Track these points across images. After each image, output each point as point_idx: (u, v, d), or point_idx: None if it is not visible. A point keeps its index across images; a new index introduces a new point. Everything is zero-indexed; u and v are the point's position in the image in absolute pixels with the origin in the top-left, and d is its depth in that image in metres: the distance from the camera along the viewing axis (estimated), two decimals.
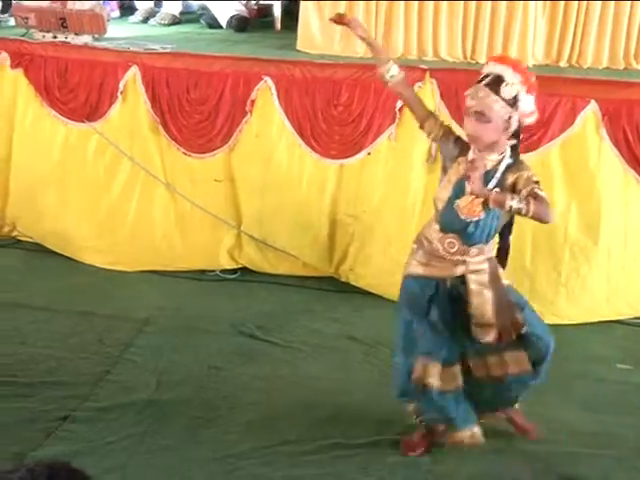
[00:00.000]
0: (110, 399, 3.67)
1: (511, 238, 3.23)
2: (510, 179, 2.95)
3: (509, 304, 3.13)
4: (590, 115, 4.39)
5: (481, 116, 2.90)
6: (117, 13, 6.33)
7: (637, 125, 4.40)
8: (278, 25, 6.26)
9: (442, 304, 3.13)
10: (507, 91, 2.89)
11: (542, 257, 4.54)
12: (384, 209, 4.46)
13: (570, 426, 3.61)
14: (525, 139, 4.39)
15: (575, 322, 4.52)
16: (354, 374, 3.49)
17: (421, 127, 3.12)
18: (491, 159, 2.99)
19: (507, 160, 2.99)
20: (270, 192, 4.80)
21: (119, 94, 4.82)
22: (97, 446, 3.33)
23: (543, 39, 5.24)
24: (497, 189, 2.90)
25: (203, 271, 4.94)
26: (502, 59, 3.04)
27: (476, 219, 2.99)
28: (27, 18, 5.31)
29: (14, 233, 5.32)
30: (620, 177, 4.45)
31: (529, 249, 4.52)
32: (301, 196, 4.77)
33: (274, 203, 4.82)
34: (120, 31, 5.68)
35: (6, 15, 5.72)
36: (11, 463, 1.17)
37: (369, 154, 4.56)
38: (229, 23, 6.04)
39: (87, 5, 5.28)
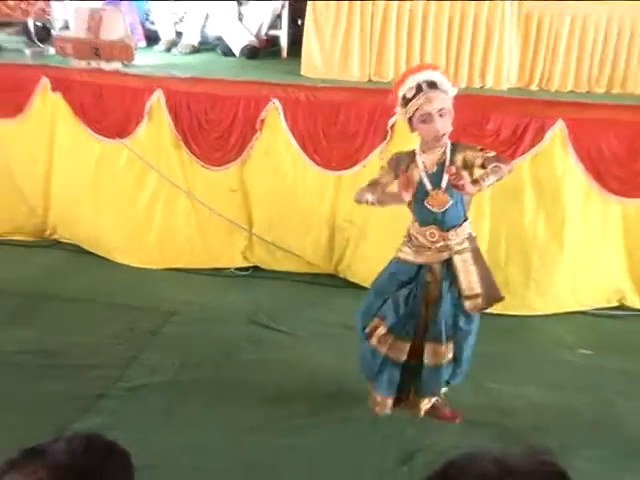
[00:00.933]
0: (139, 379, 3.76)
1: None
2: (459, 159, 3.03)
3: (490, 274, 3.22)
4: (557, 133, 4.44)
5: (443, 111, 2.97)
6: (143, 43, 6.34)
7: (598, 142, 4.45)
8: (285, 53, 6.27)
9: (416, 289, 3.19)
10: (443, 86, 2.99)
11: (515, 257, 4.59)
12: (376, 214, 4.52)
13: (537, 403, 3.67)
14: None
15: (544, 313, 4.58)
16: (350, 357, 3.53)
17: (403, 198, 3.05)
18: (440, 152, 3.06)
19: (448, 147, 3.06)
20: (278, 200, 4.87)
21: (145, 114, 4.87)
22: (127, 420, 3.41)
23: (516, 66, 5.25)
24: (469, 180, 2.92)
25: (220, 269, 5.00)
26: (420, 67, 3.13)
27: (447, 207, 3.07)
28: (65, 48, 5.35)
29: (55, 236, 5.39)
30: (583, 188, 4.50)
31: (503, 251, 4.59)
32: (304, 204, 4.84)
33: (281, 210, 4.88)
34: (146, 59, 5.71)
35: (47, 45, 5.77)
36: (53, 436, 1.18)
37: (364, 167, 4.61)
38: (241, 52, 6.06)
39: (117, 36, 5.32)
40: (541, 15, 5.16)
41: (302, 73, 5.36)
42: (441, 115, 2.97)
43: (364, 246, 4.73)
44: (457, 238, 3.12)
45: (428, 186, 3.07)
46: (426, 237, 3.13)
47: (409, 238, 3.21)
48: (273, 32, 6.44)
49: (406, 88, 3.00)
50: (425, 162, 3.07)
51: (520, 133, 4.48)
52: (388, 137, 4.53)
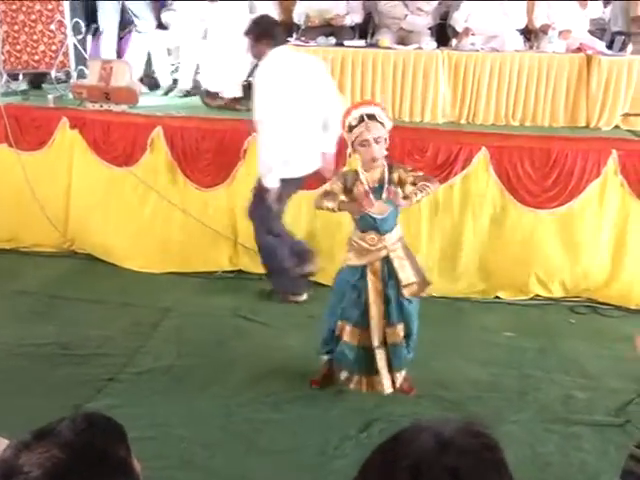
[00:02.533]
0: (143, 365, 3.62)
1: None
2: (395, 177, 3.07)
3: (420, 266, 3.24)
4: (482, 158, 4.42)
5: (379, 139, 3.00)
6: (146, 88, 6.25)
7: (514, 164, 4.42)
8: None
9: (364, 286, 3.17)
10: (381, 118, 3.01)
11: (448, 258, 4.54)
12: (340, 223, 4.45)
13: (470, 378, 3.60)
14: (436, 175, 4.41)
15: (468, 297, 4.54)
16: (315, 342, 3.44)
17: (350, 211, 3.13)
18: (377, 170, 3.07)
19: (385, 168, 3.07)
20: None
21: (148, 146, 4.77)
22: (134, 399, 3.28)
23: (449, 103, 5.25)
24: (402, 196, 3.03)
25: (209, 273, 4.84)
26: (364, 103, 3.24)
27: (386, 214, 3.08)
28: (81, 92, 5.26)
29: (72, 247, 5.19)
30: (501, 200, 4.47)
31: (438, 253, 4.54)
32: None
33: None
34: (148, 101, 5.60)
35: (67, 91, 5.63)
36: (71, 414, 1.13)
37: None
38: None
39: (124, 83, 5.23)
40: (467, 63, 5.16)
41: None
42: (377, 142, 3.00)
43: (332, 251, 4.57)
44: (392, 240, 3.14)
45: (372, 197, 3.06)
46: (367, 241, 3.12)
47: (351, 245, 3.19)
48: (251, 79, 6.33)
49: (351, 118, 3.02)
50: (367, 179, 3.07)
51: (453, 158, 4.45)
52: (347, 163, 4.43)
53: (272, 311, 4.29)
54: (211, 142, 4.71)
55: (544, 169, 4.41)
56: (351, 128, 3.02)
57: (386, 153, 3.07)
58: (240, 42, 4.41)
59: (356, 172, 3.12)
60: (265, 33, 4.00)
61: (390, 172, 3.07)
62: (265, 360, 3.67)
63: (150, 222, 4.90)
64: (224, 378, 3.52)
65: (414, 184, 3.07)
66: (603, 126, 5.21)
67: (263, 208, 4.08)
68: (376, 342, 3.21)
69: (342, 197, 3.11)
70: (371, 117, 2.99)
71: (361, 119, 2.99)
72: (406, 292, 3.15)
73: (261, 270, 4.73)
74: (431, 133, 4.76)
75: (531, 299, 4.58)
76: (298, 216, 4.60)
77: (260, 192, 4.07)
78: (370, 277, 3.16)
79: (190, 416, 3.19)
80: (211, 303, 4.40)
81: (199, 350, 3.80)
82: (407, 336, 3.25)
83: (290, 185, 4.08)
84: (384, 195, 3.05)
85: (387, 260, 3.14)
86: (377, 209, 3.07)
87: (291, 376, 3.51)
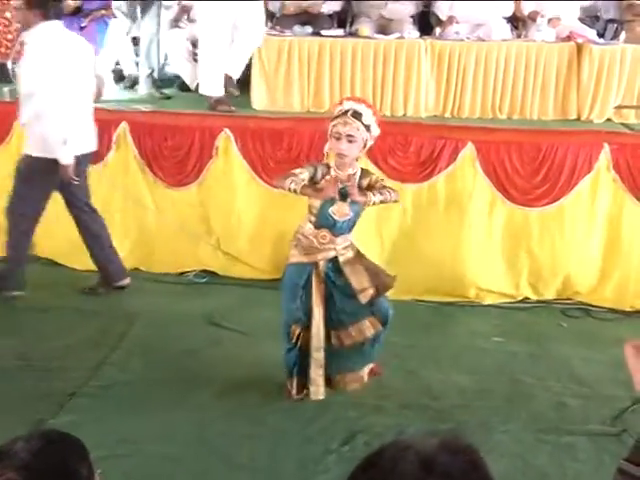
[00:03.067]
0: (109, 378, 3.58)
1: None
2: (365, 182, 3.17)
3: (378, 269, 3.29)
4: (468, 153, 4.43)
5: (351, 137, 3.05)
6: (111, 80, 6.21)
7: (502, 160, 4.45)
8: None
9: (312, 284, 3.22)
10: (366, 120, 3.05)
11: (433, 260, 4.52)
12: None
13: (458, 386, 3.61)
14: (420, 172, 4.48)
15: (459, 304, 4.55)
16: None
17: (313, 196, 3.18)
18: (350, 172, 3.15)
19: (358, 171, 3.19)
20: (231, 214, 4.75)
21: (113, 144, 4.73)
22: (99, 415, 3.24)
23: (433, 96, 5.29)
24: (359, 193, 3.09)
25: (181, 274, 4.83)
26: (360, 100, 3.21)
27: (347, 218, 3.15)
28: None
29: (32, 251, 5.11)
30: (489, 198, 4.49)
31: (423, 254, 4.53)
32: (256, 217, 4.73)
33: (235, 222, 4.75)
34: (113, 95, 5.57)
35: None
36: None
37: None
38: (197, 88, 5.96)
39: None
40: (451, 53, 5.21)
41: (253, 106, 5.33)
42: (350, 141, 3.05)
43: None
44: (344, 243, 3.21)
45: (336, 197, 3.11)
46: (318, 238, 3.18)
47: (298, 241, 3.24)
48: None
49: (338, 108, 3.13)
50: (338, 177, 3.13)
51: (437, 154, 4.47)
52: (324, 159, 4.45)
53: (248, 318, 4.27)
54: (181, 138, 4.70)
55: (533, 164, 4.45)
56: (334, 118, 3.11)
57: (359, 155, 3.17)
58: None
59: (327, 166, 3.19)
60: (39, 2, 3.99)
61: (361, 177, 3.18)
62: (241, 371, 3.65)
63: (116, 222, 4.84)
64: (197, 390, 3.49)
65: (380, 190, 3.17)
66: (595, 119, 5.28)
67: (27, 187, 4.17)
68: (315, 345, 3.26)
69: (306, 182, 3.14)
70: (356, 114, 3.05)
71: (345, 112, 3.06)
72: (362, 297, 3.19)
73: (237, 273, 4.74)
74: (414, 127, 4.79)
75: (520, 302, 4.62)
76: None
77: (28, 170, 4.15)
78: (314, 278, 3.22)
79: (161, 432, 3.16)
80: (182, 309, 4.37)
81: (169, 361, 3.77)
82: (383, 324, 3.30)
83: (84, 160, 4.24)
84: (349, 199, 3.10)
85: (334, 262, 3.20)
86: (339, 211, 3.14)
87: (269, 387, 3.49)
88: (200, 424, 3.24)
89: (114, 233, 4.84)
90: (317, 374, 3.31)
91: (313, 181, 3.15)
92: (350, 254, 3.23)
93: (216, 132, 4.63)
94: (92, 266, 4.71)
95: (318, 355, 3.28)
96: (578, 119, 5.27)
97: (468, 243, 4.53)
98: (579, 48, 5.24)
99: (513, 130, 4.78)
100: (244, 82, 5.84)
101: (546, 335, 4.24)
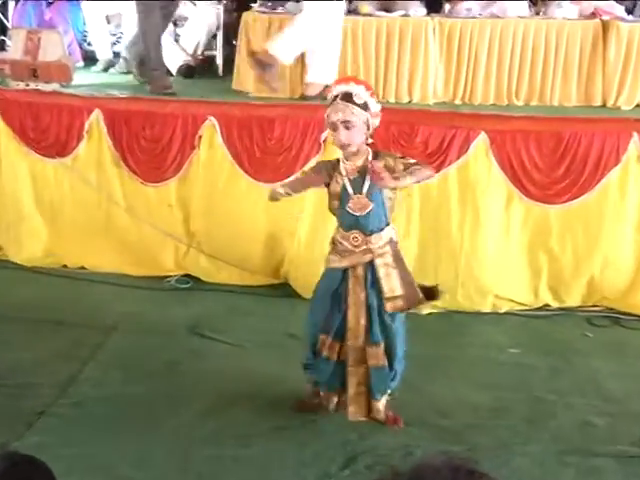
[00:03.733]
0: (82, 395, 3.57)
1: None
2: (380, 165, 3.04)
3: (411, 277, 3.21)
4: (480, 144, 4.42)
5: (348, 124, 2.99)
6: (81, 63, 6.22)
7: (518, 151, 4.45)
8: (220, 71, 6.23)
9: (346, 292, 3.19)
10: (360, 99, 2.99)
11: (444, 263, 4.54)
12: (313, 223, 4.45)
13: (472, 403, 3.61)
14: (428, 164, 4.46)
15: (473, 313, 4.54)
16: (292, 365, 3.43)
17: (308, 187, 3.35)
18: (359, 161, 3.09)
19: (369, 155, 3.10)
20: (216, 213, 4.75)
21: (85, 133, 4.73)
22: (71, 436, 3.23)
23: (442, 81, 5.30)
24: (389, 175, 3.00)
25: (160, 281, 4.82)
26: (345, 80, 3.20)
27: (368, 210, 3.08)
28: (2, 68, 5.21)
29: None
30: (505, 194, 4.49)
31: (432, 256, 4.53)
32: (242, 215, 4.72)
33: (220, 222, 4.75)
34: (84, 79, 5.58)
35: None
36: None
37: None
38: (178, 71, 5.98)
39: (55, 57, 5.20)
40: (462, 32, 5.21)
41: (233, 87, 5.43)
42: (347, 127, 3.01)
43: (304, 254, 4.60)
44: (379, 242, 3.14)
45: (350, 190, 3.09)
46: (350, 241, 3.14)
47: (334, 245, 3.22)
48: (209, 52, 6.37)
49: (330, 95, 3.10)
50: (347, 168, 3.10)
51: (446, 145, 4.46)
52: (321, 150, 4.46)
53: (238, 328, 4.27)
54: (160, 128, 4.70)
55: (554, 156, 4.45)
56: (327, 107, 3.09)
57: (368, 140, 3.10)
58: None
59: (337, 161, 3.15)
60: None
61: (375, 160, 3.08)
62: (228, 386, 3.64)
63: (88, 222, 4.87)
64: (180, 409, 3.48)
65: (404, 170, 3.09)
66: (622, 105, 5.30)
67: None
68: (351, 359, 3.23)
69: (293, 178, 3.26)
70: (346, 97, 3.00)
71: (334, 98, 3.03)
72: (388, 306, 3.16)
73: (222, 279, 4.72)
74: (421, 115, 4.79)
75: (540, 309, 4.63)
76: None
77: None
78: (352, 283, 3.19)
79: (140, 455, 3.15)
80: (163, 318, 4.36)
81: (149, 375, 3.76)
82: (390, 358, 3.25)
83: None
84: (365, 187, 3.07)
85: (372, 266, 3.16)
86: (356, 204, 3.10)
87: (261, 405, 3.49)
88: (184, 446, 3.22)
89: (84, 234, 4.85)
90: (352, 390, 3.27)
91: (326, 184, 3.16)
92: (388, 254, 3.16)
93: (200, 120, 4.63)
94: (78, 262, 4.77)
95: (353, 370, 3.24)
96: (604, 105, 5.29)
97: (481, 244, 4.53)
98: (605, 26, 5.25)
99: (531, 118, 4.77)
100: (229, 63, 5.89)
101: (569, 346, 4.24)
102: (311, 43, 5.10)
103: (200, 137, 4.64)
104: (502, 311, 4.59)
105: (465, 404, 3.59)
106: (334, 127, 3.04)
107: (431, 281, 4.38)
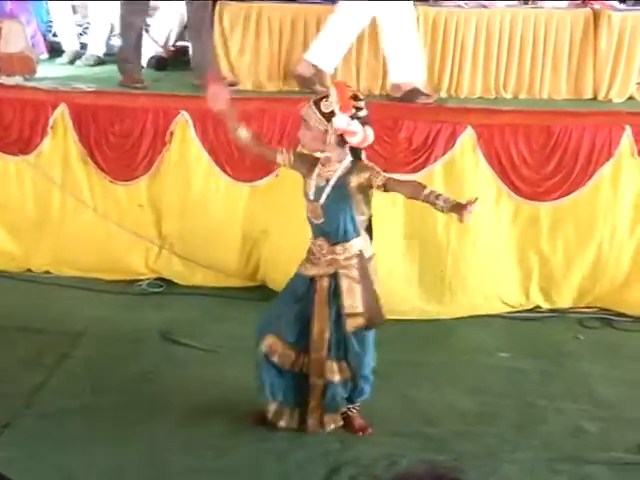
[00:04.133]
0: (48, 406, 3.56)
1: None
2: (353, 181, 3.04)
3: (376, 295, 3.19)
4: (467, 139, 4.44)
5: (305, 123, 3.04)
6: (46, 55, 6.19)
7: (507, 146, 4.48)
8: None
9: (311, 301, 3.18)
10: (324, 106, 2.98)
11: (430, 264, 4.57)
12: (290, 224, 4.46)
13: (459, 409, 3.65)
14: (412, 161, 4.50)
15: (459, 316, 4.56)
16: None
17: (276, 162, 3.27)
18: (331, 169, 3.07)
19: (345, 165, 3.07)
20: (189, 212, 4.75)
21: (49, 129, 4.71)
22: (36, 450, 3.22)
23: (426, 71, 5.31)
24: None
25: (131, 285, 4.82)
26: (344, 86, 3.12)
27: (321, 220, 3.10)
28: None
29: None
30: (494, 191, 4.52)
31: (418, 258, 4.56)
32: (217, 215, 4.73)
33: (193, 222, 4.75)
34: (49, 71, 5.56)
35: None
36: None
37: (277, 176, 4.52)
38: (149, 63, 5.96)
39: (17, 48, 5.17)
40: (447, 22, 5.24)
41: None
42: (306, 127, 3.05)
43: (280, 255, 4.60)
44: (345, 254, 3.12)
45: (311, 196, 3.11)
46: (316, 248, 3.16)
47: (308, 251, 3.23)
48: (181, 43, 6.36)
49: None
50: (319, 172, 3.11)
51: (431, 140, 4.48)
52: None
53: (212, 333, 4.29)
54: (130, 123, 4.70)
55: (544, 151, 4.49)
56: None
57: (345, 154, 3.07)
58: None
59: (316, 161, 3.15)
60: None
61: (350, 172, 3.05)
62: (204, 395, 3.66)
63: (54, 223, 4.87)
64: (152, 419, 3.50)
65: (385, 187, 3.04)
66: (614, 97, 5.34)
67: None
68: (313, 371, 3.24)
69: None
70: (316, 99, 3.04)
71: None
72: (348, 323, 3.15)
73: (197, 281, 4.73)
74: (404, 109, 4.81)
75: (530, 311, 4.68)
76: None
77: None
78: (317, 295, 3.18)
79: (110, 468, 3.16)
80: (134, 324, 4.37)
81: (119, 384, 3.77)
82: (353, 376, 3.27)
83: None
84: (323, 197, 3.06)
85: (336, 279, 3.15)
86: (312, 211, 3.14)
87: (238, 414, 3.50)
88: (156, 459, 3.23)
89: (49, 236, 4.83)
90: (318, 404, 3.29)
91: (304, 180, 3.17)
92: (354, 273, 3.13)
93: (171, 115, 4.64)
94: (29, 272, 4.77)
95: (319, 382, 3.25)
96: (595, 98, 5.34)
97: (469, 244, 4.55)
98: (596, 15, 5.29)
99: (520, 112, 4.81)
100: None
101: (560, 349, 4.29)
102: (349, 43, 5.13)
103: (172, 133, 4.64)
104: (491, 313, 4.62)
105: (452, 411, 3.63)
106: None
107: (415, 284, 4.50)
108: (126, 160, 4.75)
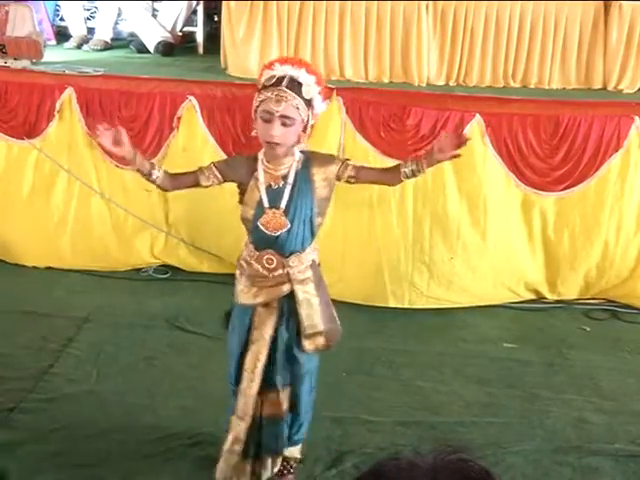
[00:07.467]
0: (53, 391, 3.58)
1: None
2: (318, 173, 2.64)
3: (331, 308, 2.79)
4: (475, 127, 4.42)
5: (288, 121, 2.52)
6: (53, 40, 6.18)
7: (515, 135, 4.47)
8: (201, 49, 6.21)
9: (249, 329, 2.77)
10: (306, 92, 2.53)
11: (439, 252, 4.55)
12: None
13: (464, 399, 3.65)
14: (419, 148, 4.46)
15: (467, 306, 4.56)
16: None
17: (202, 185, 2.77)
18: (284, 166, 2.65)
19: (297, 163, 2.65)
20: (196, 199, 4.70)
21: (56, 113, 4.70)
22: (41, 434, 3.24)
23: (435, 62, 5.30)
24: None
25: (138, 270, 4.83)
26: (295, 62, 2.60)
27: (285, 229, 2.65)
28: None
29: None
30: (502, 180, 4.51)
31: (428, 245, 4.54)
32: (223, 202, 4.67)
33: (200, 209, 4.73)
34: (56, 56, 5.54)
35: None
36: None
37: None
38: (156, 48, 5.95)
39: (25, 32, 5.15)
40: (457, 12, 5.22)
41: (230, 72, 5.35)
42: (284, 123, 2.52)
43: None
44: (299, 265, 2.69)
45: (265, 203, 2.64)
46: (262, 263, 2.68)
47: (241, 268, 2.75)
48: (188, 28, 6.34)
49: (269, 75, 2.55)
50: (268, 173, 2.65)
51: (439, 128, 4.45)
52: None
53: (216, 319, 4.23)
54: (137, 108, 4.68)
55: (552, 141, 4.48)
56: (261, 88, 2.58)
57: (301, 143, 2.65)
58: None
59: (255, 159, 2.70)
60: None
61: (306, 164, 2.65)
62: (209, 381, 3.64)
63: (61, 209, 4.85)
64: (158, 404, 3.50)
65: (356, 178, 2.66)
66: (625, 88, 5.32)
67: None
68: (238, 409, 2.81)
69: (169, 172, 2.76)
70: (293, 86, 2.51)
71: (278, 81, 2.51)
72: (307, 345, 2.72)
73: (203, 268, 4.73)
74: (412, 97, 4.79)
75: (536, 302, 4.67)
76: None
77: None
78: (262, 316, 2.74)
79: (114, 454, 3.16)
80: (139, 310, 4.38)
81: (125, 370, 3.78)
82: (295, 407, 2.89)
83: None
84: (283, 202, 2.63)
85: (289, 297, 2.71)
86: (271, 221, 2.64)
87: None
88: (160, 444, 3.24)
89: (56, 221, 4.82)
90: (233, 449, 2.84)
91: (240, 188, 2.72)
92: (310, 286, 2.70)
93: (179, 101, 4.62)
94: (40, 261, 4.74)
95: (242, 423, 2.81)
96: (604, 88, 5.31)
97: (477, 233, 4.54)
98: (606, 5, 5.27)
99: (528, 101, 4.78)
100: (210, 41, 5.86)
101: (566, 341, 4.29)
102: None
103: (179, 118, 4.63)
104: (496, 304, 4.62)
105: (457, 401, 3.63)
106: (268, 118, 2.53)
107: (425, 272, 4.48)
108: (133, 145, 4.71)
